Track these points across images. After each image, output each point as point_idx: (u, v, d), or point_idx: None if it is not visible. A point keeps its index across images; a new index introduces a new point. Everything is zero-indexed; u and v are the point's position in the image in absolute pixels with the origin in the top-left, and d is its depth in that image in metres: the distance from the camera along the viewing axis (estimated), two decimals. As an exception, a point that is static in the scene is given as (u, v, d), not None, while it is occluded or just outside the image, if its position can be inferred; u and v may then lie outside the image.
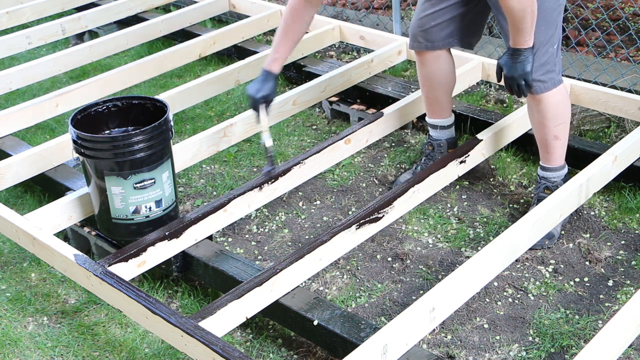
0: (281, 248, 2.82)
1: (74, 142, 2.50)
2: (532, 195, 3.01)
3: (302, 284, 2.50)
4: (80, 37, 4.80)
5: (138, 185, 2.49)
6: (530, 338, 2.35)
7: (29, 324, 2.54)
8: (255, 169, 3.31)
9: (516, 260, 2.64)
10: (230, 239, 2.88)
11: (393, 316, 2.43)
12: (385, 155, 3.34)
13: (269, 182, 2.75)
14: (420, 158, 3.09)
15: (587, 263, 2.66)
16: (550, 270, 2.62)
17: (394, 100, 3.45)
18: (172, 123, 2.57)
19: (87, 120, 2.60)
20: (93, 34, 4.73)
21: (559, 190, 2.55)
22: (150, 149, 2.47)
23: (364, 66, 3.59)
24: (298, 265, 2.35)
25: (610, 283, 2.56)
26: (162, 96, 3.26)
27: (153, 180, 2.51)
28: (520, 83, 2.50)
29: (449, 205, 2.98)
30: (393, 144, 3.43)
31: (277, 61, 2.73)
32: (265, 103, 2.74)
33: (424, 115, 3.36)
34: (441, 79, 2.89)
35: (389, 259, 2.73)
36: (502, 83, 2.62)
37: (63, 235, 2.85)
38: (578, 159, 3.03)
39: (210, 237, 2.67)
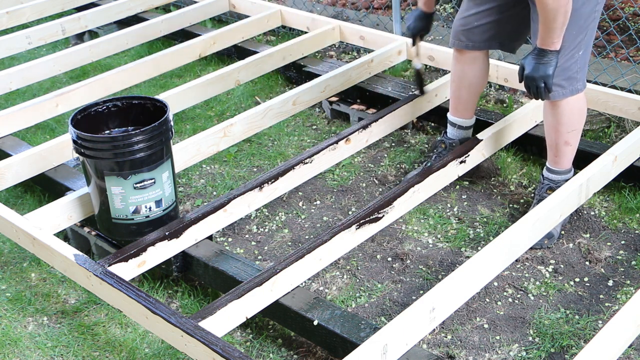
0: (281, 248, 2.82)
1: (74, 142, 2.49)
2: (533, 195, 3.01)
3: (302, 284, 2.50)
4: (80, 37, 4.80)
5: (138, 185, 2.49)
6: (530, 338, 2.35)
7: (29, 324, 2.54)
8: (255, 169, 3.31)
9: (516, 260, 2.64)
10: (230, 239, 2.87)
11: (393, 316, 2.43)
12: (385, 155, 3.34)
13: (269, 182, 2.75)
14: (431, 155, 3.07)
15: (587, 263, 2.66)
16: (550, 270, 2.62)
17: (394, 100, 3.45)
18: (172, 123, 2.56)
19: (87, 120, 2.60)
20: (93, 34, 4.73)
21: (559, 190, 2.55)
22: (150, 149, 2.47)
23: (364, 66, 3.59)
24: (298, 265, 2.35)
25: (610, 283, 2.56)
26: (162, 96, 3.26)
27: (153, 180, 2.51)
28: (540, 85, 2.45)
29: (449, 205, 2.99)
30: (393, 144, 3.43)
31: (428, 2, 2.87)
32: (420, 35, 2.96)
33: (424, 115, 3.37)
34: (473, 79, 2.90)
35: (389, 259, 2.73)
36: (521, 87, 2.62)
37: (63, 235, 2.85)
38: (578, 159, 3.02)
39: (210, 237, 2.67)
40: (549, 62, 2.42)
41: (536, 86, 2.46)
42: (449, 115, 3.02)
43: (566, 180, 2.74)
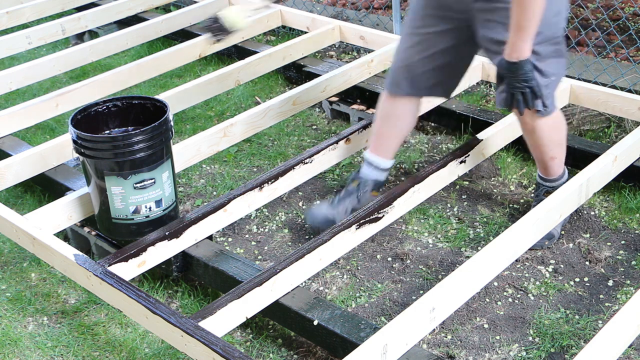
0: (281, 248, 2.82)
1: (74, 142, 2.50)
2: (532, 195, 3.01)
3: (302, 284, 2.50)
4: (80, 37, 4.80)
5: (138, 185, 2.49)
6: (530, 338, 2.35)
7: (29, 324, 2.54)
8: (255, 169, 3.31)
9: (516, 260, 2.64)
10: (230, 239, 2.88)
11: (393, 316, 2.44)
12: (385, 155, 3.34)
13: (269, 182, 2.75)
14: (339, 191, 2.84)
15: (587, 263, 2.66)
16: (550, 270, 2.62)
17: (394, 100, 3.44)
18: (172, 123, 2.57)
19: (87, 120, 2.60)
20: (93, 34, 4.73)
21: (559, 190, 2.55)
22: (150, 149, 2.47)
23: (364, 66, 3.59)
24: (298, 265, 2.35)
25: (610, 283, 2.56)
26: (162, 96, 3.26)
27: (153, 180, 2.51)
28: (525, 91, 2.34)
29: (449, 205, 2.98)
30: (393, 144, 3.43)
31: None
32: None
33: (424, 115, 3.37)
34: (404, 122, 2.74)
35: (389, 259, 2.73)
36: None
37: (63, 235, 2.85)
38: (578, 159, 3.02)
39: (210, 237, 2.67)
40: (526, 72, 2.30)
41: (522, 93, 2.34)
42: (366, 152, 2.81)
43: (562, 183, 2.71)
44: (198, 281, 2.66)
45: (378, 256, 2.74)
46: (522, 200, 2.99)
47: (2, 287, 2.71)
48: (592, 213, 2.89)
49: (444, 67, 2.63)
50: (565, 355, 2.28)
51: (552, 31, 2.38)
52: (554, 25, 2.38)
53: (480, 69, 3.45)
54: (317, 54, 4.24)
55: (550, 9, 2.29)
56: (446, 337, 2.37)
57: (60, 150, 3.01)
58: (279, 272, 2.30)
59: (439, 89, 2.71)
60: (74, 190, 2.80)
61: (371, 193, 2.81)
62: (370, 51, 3.92)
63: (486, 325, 2.41)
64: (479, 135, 2.94)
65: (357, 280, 2.63)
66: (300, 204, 3.06)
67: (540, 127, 2.51)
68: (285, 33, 4.61)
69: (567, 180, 2.73)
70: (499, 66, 2.38)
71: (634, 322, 2.05)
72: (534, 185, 3.07)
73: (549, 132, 2.55)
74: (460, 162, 2.85)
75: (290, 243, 2.84)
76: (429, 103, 3.31)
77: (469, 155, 2.87)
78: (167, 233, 2.49)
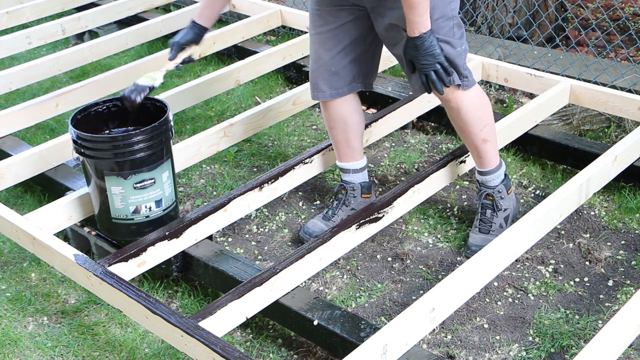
0: (281, 248, 2.82)
1: (74, 142, 2.49)
2: (533, 195, 3.01)
3: (302, 284, 2.50)
4: (80, 37, 4.80)
5: (138, 185, 2.49)
6: (530, 338, 2.35)
7: (29, 324, 2.54)
8: (255, 169, 3.31)
9: (516, 260, 2.64)
10: (230, 239, 2.88)
11: (393, 316, 2.43)
12: (385, 155, 3.34)
13: (269, 182, 2.75)
14: (332, 202, 2.86)
15: (587, 263, 2.66)
16: (550, 270, 2.62)
17: (394, 100, 3.45)
18: (172, 123, 2.56)
19: (87, 120, 2.60)
20: (93, 34, 4.73)
21: (559, 190, 2.55)
22: (150, 149, 2.47)
23: (364, 66, 3.58)
24: (298, 265, 2.35)
25: (610, 283, 2.56)
26: (162, 96, 3.26)
27: (153, 180, 2.51)
28: (437, 68, 2.32)
29: (449, 205, 2.98)
30: (393, 144, 3.43)
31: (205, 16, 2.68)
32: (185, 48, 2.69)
33: (424, 115, 3.37)
34: (350, 121, 2.70)
35: (389, 259, 2.73)
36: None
37: (63, 235, 2.85)
38: (578, 159, 3.03)
39: (210, 237, 2.67)
40: (431, 45, 2.29)
41: (434, 71, 2.32)
42: (338, 162, 2.82)
43: (501, 179, 2.66)
44: (198, 281, 2.66)
45: (378, 256, 2.74)
46: (522, 200, 2.99)
47: (2, 287, 2.71)
48: (592, 213, 2.89)
49: (356, 60, 2.60)
50: (565, 355, 2.28)
51: (446, 6, 2.38)
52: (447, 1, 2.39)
53: (480, 68, 3.45)
54: (317, 54, 4.24)
55: None
56: (446, 337, 2.37)
57: (60, 150, 3.01)
58: (279, 272, 2.30)
59: (358, 83, 2.65)
60: (74, 190, 2.80)
61: (362, 197, 2.81)
62: (370, 51, 3.92)
63: (486, 325, 2.41)
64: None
65: (357, 280, 2.63)
66: (300, 204, 3.06)
67: (465, 104, 2.48)
68: (285, 33, 4.61)
69: (508, 180, 2.69)
70: (404, 50, 2.35)
71: (634, 322, 2.05)
72: (534, 185, 3.07)
73: (474, 110, 2.51)
74: (460, 162, 2.85)
75: (290, 243, 2.84)
76: (429, 103, 3.31)
77: (469, 155, 2.87)
78: (167, 233, 2.49)
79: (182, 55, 2.69)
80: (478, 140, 2.58)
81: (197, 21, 2.68)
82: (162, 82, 2.64)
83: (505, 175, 2.70)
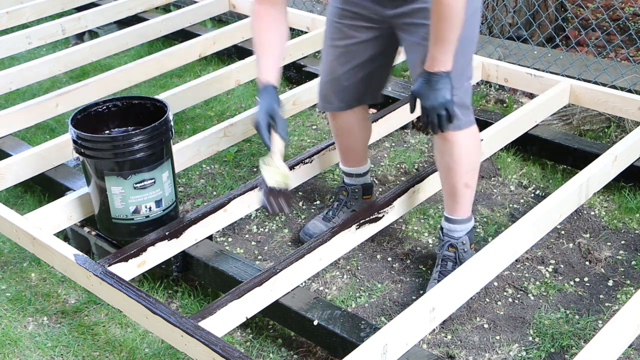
0: (281, 248, 2.82)
1: (74, 142, 2.49)
2: (533, 195, 3.01)
3: (302, 284, 2.50)
4: (80, 37, 4.80)
5: (138, 185, 2.49)
6: (530, 338, 2.35)
7: (29, 324, 2.54)
8: (255, 169, 3.31)
9: (516, 260, 2.64)
10: (230, 239, 2.87)
11: (393, 316, 2.43)
12: (385, 155, 3.34)
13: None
14: (333, 203, 2.84)
15: (587, 263, 2.66)
16: (550, 270, 2.62)
17: (394, 100, 3.45)
18: (172, 123, 2.56)
19: (87, 120, 2.60)
20: (93, 34, 4.73)
21: (559, 190, 2.55)
22: (150, 149, 2.47)
23: (364, 66, 3.58)
24: (298, 265, 2.35)
25: (610, 283, 2.56)
26: (162, 96, 3.26)
27: (153, 180, 2.51)
28: (442, 113, 2.17)
29: (449, 205, 2.98)
30: (393, 144, 3.43)
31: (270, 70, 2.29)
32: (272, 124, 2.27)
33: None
34: (356, 130, 2.66)
35: (389, 259, 2.73)
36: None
37: (63, 235, 2.84)
38: (578, 159, 3.03)
39: (210, 237, 2.67)
40: (445, 86, 2.14)
41: (438, 115, 2.18)
42: (341, 166, 2.80)
43: (467, 232, 2.51)
44: (198, 281, 2.66)
45: (378, 256, 2.74)
46: (522, 200, 2.99)
47: (2, 287, 2.71)
48: (592, 213, 2.89)
49: (370, 76, 2.50)
50: (565, 356, 2.28)
51: (468, 64, 2.31)
52: (470, 26, 2.26)
53: (480, 68, 3.45)
54: (317, 54, 4.24)
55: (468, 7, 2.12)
56: (446, 337, 2.37)
57: (60, 150, 3.01)
58: (279, 272, 2.30)
59: (367, 97, 2.58)
60: (74, 190, 2.80)
61: (363, 198, 2.82)
62: (370, 51, 3.92)
63: (486, 325, 2.41)
64: (479, 135, 2.94)
65: (357, 280, 2.63)
66: (300, 204, 3.05)
67: (460, 141, 2.34)
68: (285, 33, 4.60)
69: (473, 233, 2.55)
70: (414, 83, 2.23)
71: (634, 322, 2.05)
72: (534, 185, 3.07)
73: (466, 151, 2.37)
74: (460, 162, 2.85)
75: (290, 243, 2.84)
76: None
77: (469, 155, 2.87)
78: (167, 233, 2.49)
79: (278, 129, 2.26)
80: (460, 183, 2.42)
81: (270, 82, 2.27)
82: (290, 177, 2.23)
83: (471, 230, 2.54)
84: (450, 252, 2.51)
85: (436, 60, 2.13)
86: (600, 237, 2.77)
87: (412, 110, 2.24)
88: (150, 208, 2.54)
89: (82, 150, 2.48)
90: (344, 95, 2.54)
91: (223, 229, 2.88)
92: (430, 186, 2.76)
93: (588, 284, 2.56)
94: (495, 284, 2.56)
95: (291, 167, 2.82)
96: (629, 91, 3.40)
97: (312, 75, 3.77)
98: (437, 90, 2.15)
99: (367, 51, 2.44)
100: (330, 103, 2.59)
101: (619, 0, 4.33)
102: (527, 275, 2.61)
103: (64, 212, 2.66)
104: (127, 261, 2.38)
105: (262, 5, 2.30)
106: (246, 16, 4.43)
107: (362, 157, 2.78)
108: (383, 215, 2.60)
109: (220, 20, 4.86)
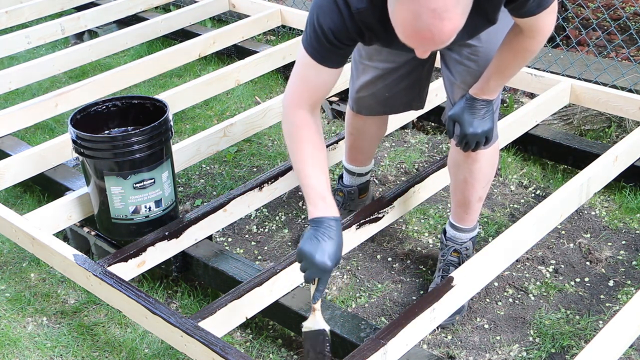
0: (281, 248, 2.81)
1: (74, 142, 2.49)
2: (533, 195, 3.01)
3: (302, 284, 2.49)
4: (79, 37, 4.80)
5: (138, 185, 2.49)
6: (531, 338, 2.35)
7: (29, 324, 2.53)
8: (255, 169, 3.30)
9: (516, 260, 2.64)
10: (230, 239, 2.87)
11: (393, 316, 2.43)
12: (385, 155, 3.34)
13: (269, 182, 2.75)
14: None
15: (588, 263, 2.65)
16: (550, 270, 2.62)
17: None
18: (171, 123, 2.56)
19: (86, 120, 2.59)
20: (92, 34, 4.73)
21: (559, 190, 2.54)
22: (150, 149, 2.46)
23: (364, 66, 3.58)
24: (298, 265, 2.34)
25: (611, 283, 2.56)
26: (162, 96, 3.26)
27: (153, 180, 2.51)
28: (482, 140, 2.16)
29: (449, 205, 2.98)
30: (393, 144, 3.43)
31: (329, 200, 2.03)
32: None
33: (424, 115, 3.36)
34: (375, 130, 2.62)
35: (389, 259, 2.72)
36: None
37: (62, 235, 2.84)
38: (578, 159, 3.02)
39: (210, 237, 2.66)
40: (489, 115, 2.13)
41: (477, 142, 2.16)
42: (345, 163, 2.75)
43: (472, 239, 2.50)
44: (198, 281, 2.66)
45: (378, 256, 2.74)
46: (522, 200, 2.99)
47: (2, 287, 2.70)
48: (593, 213, 2.88)
49: (413, 85, 2.41)
50: (566, 356, 2.27)
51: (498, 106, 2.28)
52: None
53: (480, 68, 3.44)
54: (317, 54, 4.23)
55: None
56: (446, 337, 2.37)
57: (59, 150, 3.00)
58: (279, 272, 2.29)
59: (413, 104, 2.49)
60: (74, 190, 2.79)
61: (359, 198, 2.81)
62: (370, 51, 3.91)
63: (486, 326, 2.40)
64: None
65: (357, 280, 2.63)
66: (300, 204, 3.05)
67: (482, 158, 2.28)
68: (285, 33, 4.61)
69: (476, 239, 2.53)
70: (455, 106, 2.19)
71: (634, 322, 2.05)
72: (534, 185, 3.07)
73: (487, 166, 2.32)
74: (461, 162, 2.84)
75: (290, 243, 2.83)
76: (429, 103, 3.30)
77: (469, 155, 2.86)
78: (166, 233, 2.48)
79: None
80: (475, 197, 2.39)
81: (334, 215, 2.00)
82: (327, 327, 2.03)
83: (474, 237, 2.52)
84: (454, 257, 2.49)
85: (489, 89, 2.10)
86: (600, 237, 2.77)
87: (451, 135, 2.19)
88: (149, 208, 2.54)
89: (82, 150, 2.47)
90: (387, 104, 2.46)
91: (223, 229, 2.87)
92: (431, 186, 2.75)
93: (589, 284, 2.56)
94: (496, 284, 2.56)
95: (291, 167, 2.82)
96: (630, 91, 3.40)
97: (312, 75, 3.76)
98: (481, 118, 2.13)
99: (407, 67, 2.34)
100: (372, 111, 2.50)
101: (620, 0, 4.33)
102: (527, 275, 2.60)
103: (63, 212, 2.66)
104: (126, 261, 2.38)
105: (301, 110, 2.06)
106: (246, 15, 4.43)
107: (369, 157, 2.76)
108: (383, 215, 2.59)
109: (220, 20, 4.86)
